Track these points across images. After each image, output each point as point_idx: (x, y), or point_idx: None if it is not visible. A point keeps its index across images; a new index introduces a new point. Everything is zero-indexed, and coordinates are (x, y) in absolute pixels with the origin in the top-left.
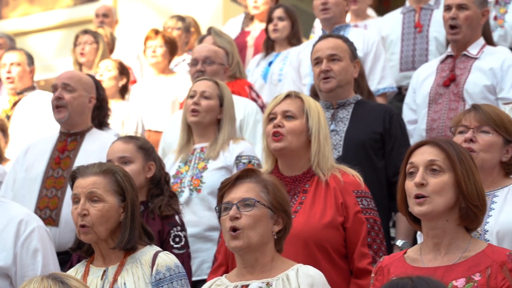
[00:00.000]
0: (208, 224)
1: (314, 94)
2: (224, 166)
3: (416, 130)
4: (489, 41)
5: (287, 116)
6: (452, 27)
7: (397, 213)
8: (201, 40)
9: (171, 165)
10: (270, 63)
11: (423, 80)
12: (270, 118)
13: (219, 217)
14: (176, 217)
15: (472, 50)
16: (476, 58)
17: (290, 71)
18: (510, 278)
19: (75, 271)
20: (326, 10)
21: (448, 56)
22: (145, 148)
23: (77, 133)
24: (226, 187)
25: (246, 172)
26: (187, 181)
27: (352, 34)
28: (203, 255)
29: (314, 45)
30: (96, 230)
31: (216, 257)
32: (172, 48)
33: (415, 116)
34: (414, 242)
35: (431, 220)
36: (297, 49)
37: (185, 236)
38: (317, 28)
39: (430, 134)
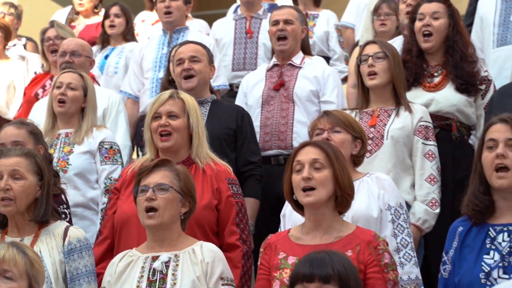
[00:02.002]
0: (74, 201)
1: (165, 89)
2: (88, 150)
3: None
4: (308, 52)
5: (171, 115)
6: (280, 38)
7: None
8: (43, 32)
9: None
10: (106, 56)
11: (254, 85)
12: (155, 117)
13: (135, 198)
14: (62, 196)
15: (296, 60)
16: (300, 67)
17: (132, 65)
18: (375, 253)
19: None
20: (169, 14)
21: (274, 65)
22: (35, 133)
23: None
24: (144, 173)
25: (162, 161)
26: (54, 163)
27: (190, 36)
28: None
29: (176, 50)
30: (17, 203)
31: (101, 231)
32: (6, 33)
33: None
34: (257, 221)
35: (315, 208)
36: (139, 45)
37: (69, 213)
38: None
39: (264, 130)
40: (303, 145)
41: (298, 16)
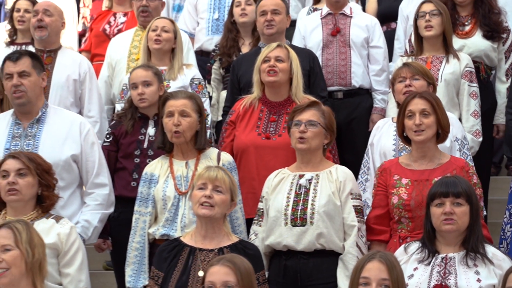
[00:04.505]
0: None
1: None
2: (182, 86)
3: None
4: None
5: (278, 60)
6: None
7: None
8: None
9: None
10: None
11: (312, 30)
12: (265, 60)
13: (289, 129)
14: None
15: (347, 10)
16: (351, 17)
17: (187, 6)
18: (467, 176)
19: (160, 162)
20: None
21: (328, 14)
22: (158, 74)
23: (51, 50)
24: (297, 110)
25: (312, 102)
26: None
27: None
28: None
29: (258, 1)
30: (185, 135)
31: None
32: None
33: None
34: None
35: (423, 143)
36: None
37: None
38: None
39: (326, 70)
40: (413, 96)
41: None
